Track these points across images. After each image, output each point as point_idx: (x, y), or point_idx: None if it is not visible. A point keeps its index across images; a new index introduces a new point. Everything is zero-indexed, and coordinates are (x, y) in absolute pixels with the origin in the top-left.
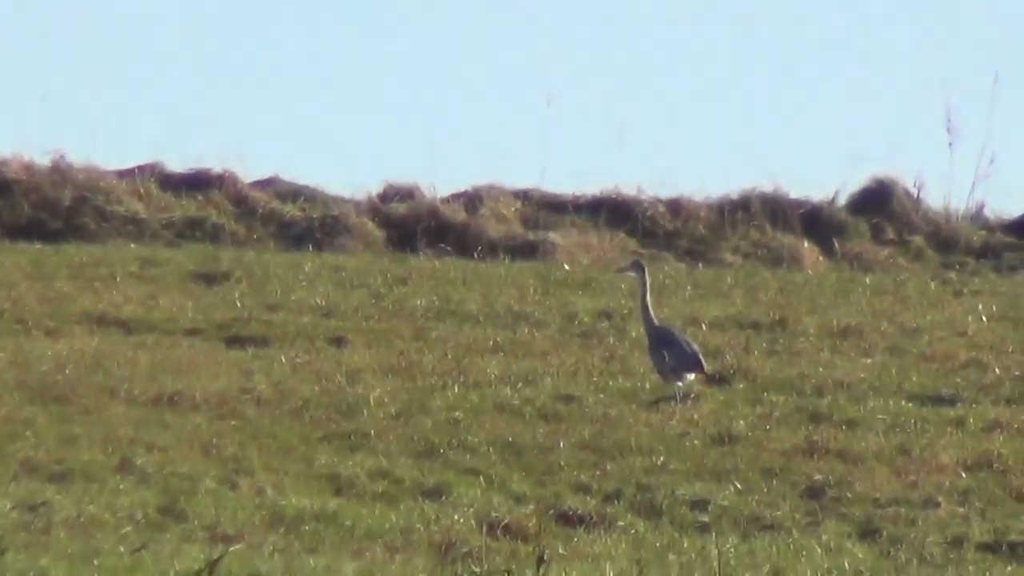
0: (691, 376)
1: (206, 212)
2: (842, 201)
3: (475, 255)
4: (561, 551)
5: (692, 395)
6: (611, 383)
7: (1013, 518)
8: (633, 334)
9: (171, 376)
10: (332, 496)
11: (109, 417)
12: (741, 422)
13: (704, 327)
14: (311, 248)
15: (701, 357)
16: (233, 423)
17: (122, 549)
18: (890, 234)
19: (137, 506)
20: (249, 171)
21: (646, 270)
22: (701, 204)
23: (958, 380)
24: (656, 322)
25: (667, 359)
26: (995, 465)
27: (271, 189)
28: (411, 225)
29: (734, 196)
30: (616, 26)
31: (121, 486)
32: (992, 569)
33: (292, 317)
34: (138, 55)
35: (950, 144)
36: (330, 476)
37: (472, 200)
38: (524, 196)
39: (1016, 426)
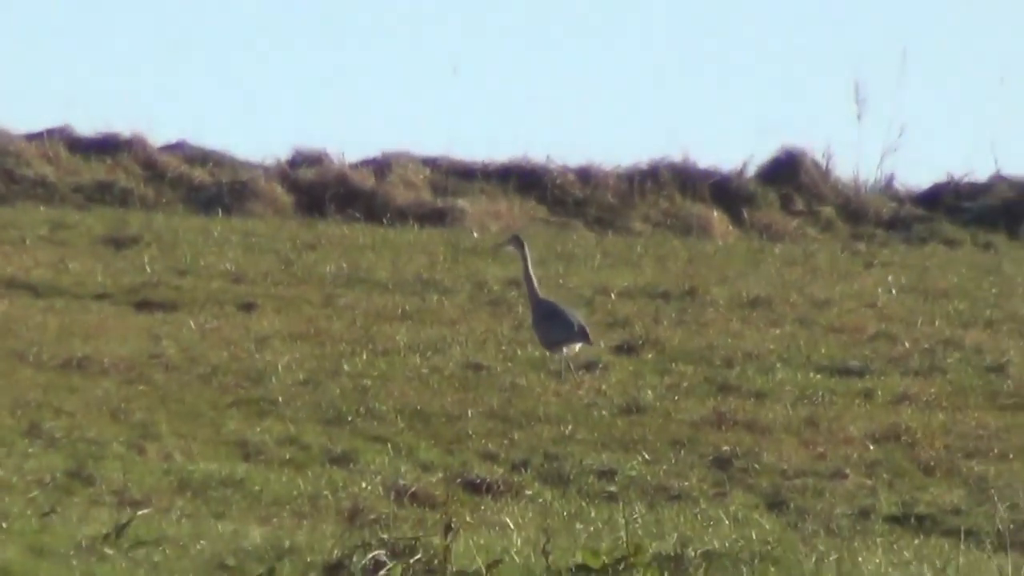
0: (577, 346)
1: (115, 176)
2: (751, 171)
3: (384, 222)
4: (468, 519)
5: (600, 365)
6: (520, 352)
7: (920, 490)
8: None
9: (80, 340)
10: (240, 462)
11: (18, 381)
12: (649, 392)
13: (613, 296)
14: (220, 213)
15: (586, 327)
16: (141, 388)
17: (30, 513)
18: (799, 205)
19: (45, 470)
20: (158, 135)
21: (526, 245)
22: (611, 172)
23: (867, 352)
24: (540, 295)
25: (552, 331)
26: (903, 437)
27: (180, 153)
28: (320, 191)
29: (644, 165)
30: None
31: (29, 450)
32: (899, 541)
33: (201, 282)
34: (46, 17)
35: (859, 115)
36: (238, 442)
37: (381, 166)
38: (433, 163)
39: (924, 399)
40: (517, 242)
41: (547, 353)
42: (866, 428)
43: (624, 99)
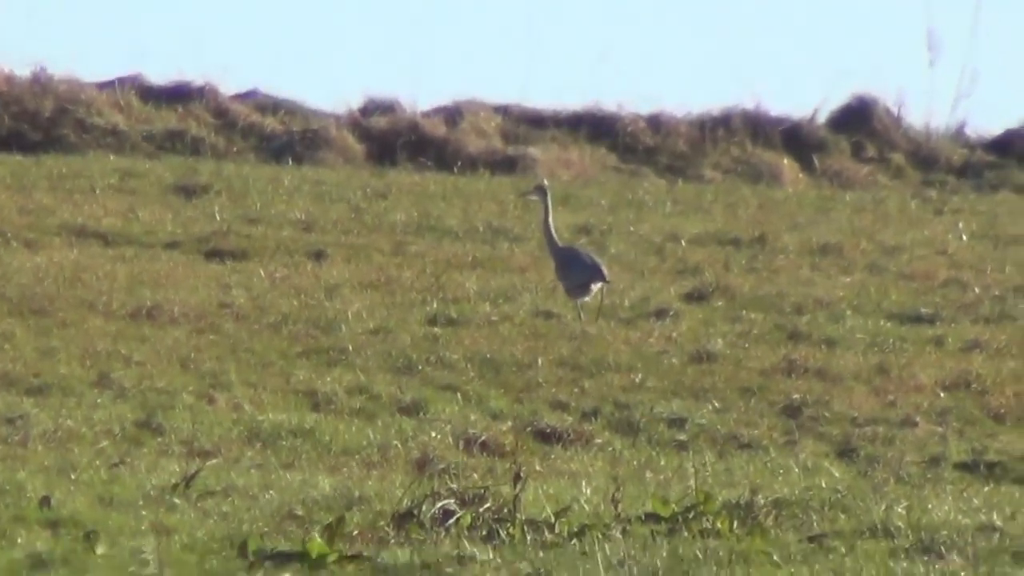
0: (596, 286)
1: (186, 124)
2: (822, 118)
3: (455, 170)
4: (538, 468)
5: (671, 313)
6: (589, 300)
7: (990, 438)
8: (612, 250)
9: (149, 289)
10: (309, 412)
11: (87, 330)
12: (719, 340)
13: (683, 244)
14: (291, 162)
15: (603, 267)
16: (211, 337)
17: (99, 463)
18: (870, 152)
19: (114, 420)
20: (230, 84)
21: (548, 193)
22: (682, 120)
23: (937, 299)
24: (559, 243)
25: (577, 275)
26: (973, 385)
27: (251, 102)
28: (391, 139)
29: (715, 112)
30: None
31: (99, 400)
32: (969, 488)
33: (271, 231)
34: None
35: (931, 62)
36: (307, 391)
37: (452, 115)
38: (504, 111)
39: (995, 346)
40: (540, 191)
41: (568, 298)
42: (936, 376)
43: (695, 46)
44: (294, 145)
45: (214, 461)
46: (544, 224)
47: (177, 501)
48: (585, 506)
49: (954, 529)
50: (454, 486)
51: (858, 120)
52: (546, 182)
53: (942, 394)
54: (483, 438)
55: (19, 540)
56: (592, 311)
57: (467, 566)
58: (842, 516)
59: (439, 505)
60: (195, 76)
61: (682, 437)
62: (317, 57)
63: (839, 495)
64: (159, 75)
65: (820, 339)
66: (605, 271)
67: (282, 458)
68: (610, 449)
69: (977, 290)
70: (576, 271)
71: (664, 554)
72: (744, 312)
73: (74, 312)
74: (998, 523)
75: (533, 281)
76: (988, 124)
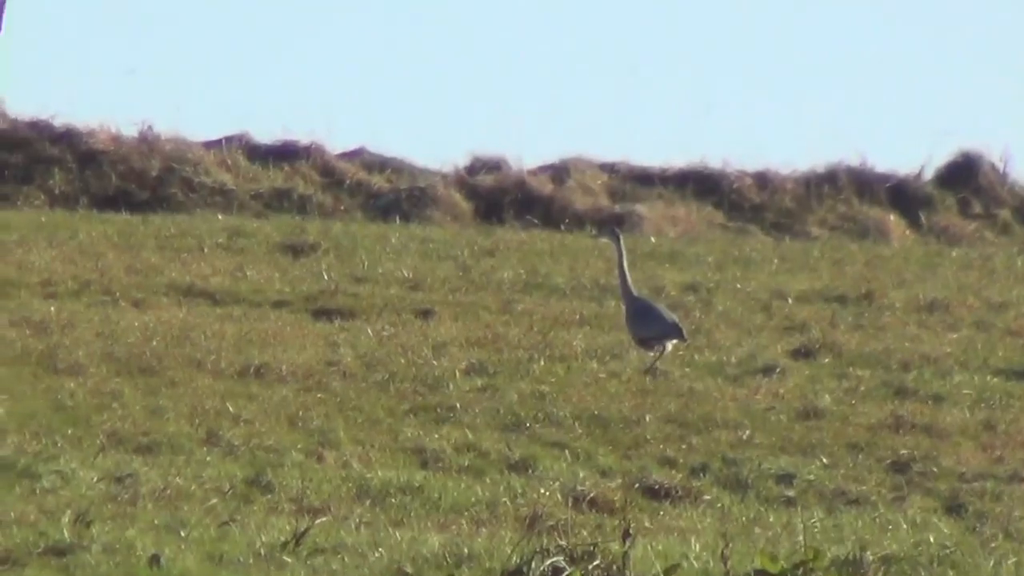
0: (671, 343)
1: (293, 183)
2: (929, 174)
3: (562, 227)
4: (647, 525)
5: (778, 370)
6: (697, 357)
7: None
8: (720, 308)
9: (258, 348)
10: (418, 469)
11: (196, 389)
12: (827, 396)
13: (790, 300)
14: (398, 220)
15: (679, 324)
16: (319, 395)
17: (209, 521)
18: (977, 208)
19: (223, 478)
20: (336, 142)
21: (621, 238)
22: (788, 177)
23: None
24: (635, 292)
25: (649, 328)
26: None
27: (358, 160)
28: (498, 197)
29: (820, 169)
30: None
31: (208, 458)
32: None
33: (379, 289)
34: (225, 26)
35: None
36: (416, 449)
37: (559, 172)
38: (611, 168)
39: None
40: (614, 235)
41: (639, 349)
42: None
43: (800, 102)
44: (401, 203)
45: (323, 519)
46: (619, 269)
47: (287, 559)
48: (694, 563)
49: None
50: (563, 543)
51: (964, 176)
52: (617, 231)
53: None
54: (592, 495)
55: None
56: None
57: None
58: (951, 572)
59: (548, 562)
60: (301, 135)
61: (790, 493)
62: (423, 115)
63: (948, 551)
64: (265, 134)
65: (927, 395)
66: (683, 329)
67: (391, 515)
68: (719, 505)
69: None
70: (652, 323)
71: None
72: (851, 369)
73: (182, 371)
74: None
75: None
76: None
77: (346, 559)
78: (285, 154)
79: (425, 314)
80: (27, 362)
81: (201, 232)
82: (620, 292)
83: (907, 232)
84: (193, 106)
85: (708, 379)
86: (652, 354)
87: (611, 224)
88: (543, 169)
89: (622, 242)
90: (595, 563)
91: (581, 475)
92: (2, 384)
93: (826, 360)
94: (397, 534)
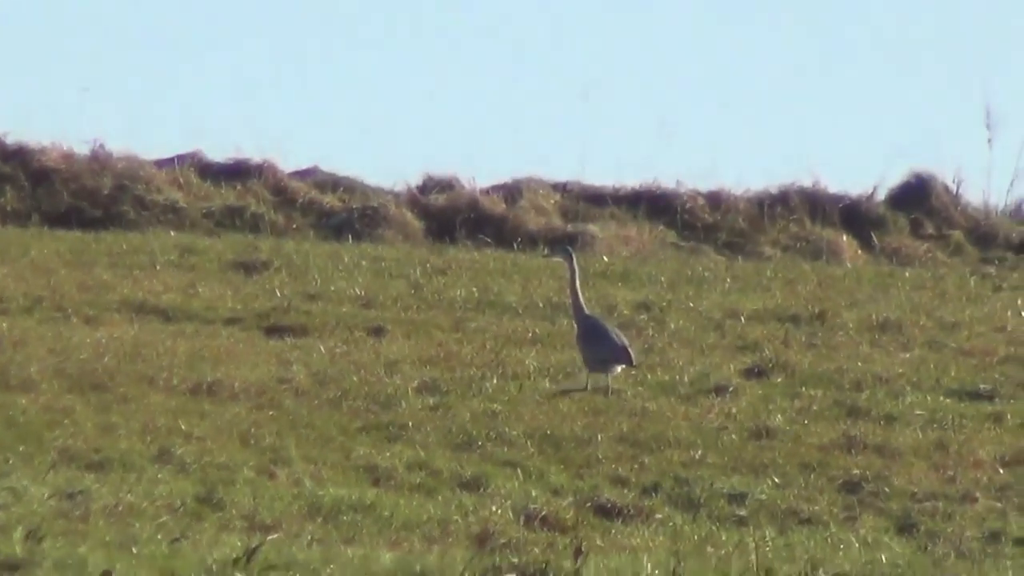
0: (619, 368)
1: (245, 201)
2: (881, 195)
3: (514, 247)
4: (599, 543)
5: (730, 389)
6: (649, 376)
7: None
8: (672, 327)
9: (210, 365)
10: (370, 487)
11: (148, 406)
12: (779, 416)
13: (743, 320)
14: (350, 238)
15: (630, 349)
16: (271, 413)
17: (160, 538)
18: (929, 229)
19: (175, 495)
20: (288, 161)
21: (574, 257)
22: (740, 197)
23: (996, 375)
24: (586, 311)
25: (597, 350)
26: None
27: (311, 179)
28: (450, 216)
29: (773, 190)
30: (655, 18)
31: (159, 475)
32: None
33: (331, 307)
34: (177, 44)
35: (989, 139)
36: (368, 467)
37: (511, 192)
38: (563, 188)
39: None
40: (567, 253)
41: (587, 371)
42: (995, 452)
43: (754, 123)
44: (353, 222)
45: (275, 536)
46: (571, 288)
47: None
48: None
49: None
50: (515, 561)
51: (917, 198)
52: (569, 249)
53: (1001, 470)
54: (544, 513)
55: None
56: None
57: None
58: None
59: None
60: (254, 153)
61: (742, 512)
62: (376, 135)
63: (899, 570)
64: (218, 152)
65: (879, 415)
66: (633, 355)
67: (343, 533)
68: (670, 524)
69: None
70: (602, 346)
71: None
72: (803, 388)
73: (134, 388)
74: None
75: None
76: None
77: None
78: (237, 172)
79: (377, 332)
80: None
81: (153, 249)
82: (571, 311)
83: (859, 252)
84: (145, 124)
85: (660, 398)
86: (602, 376)
87: (563, 243)
88: (495, 188)
89: (575, 260)
90: None
91: (533, 493)
92: None
93: (778, 380)
94: (349, 551)
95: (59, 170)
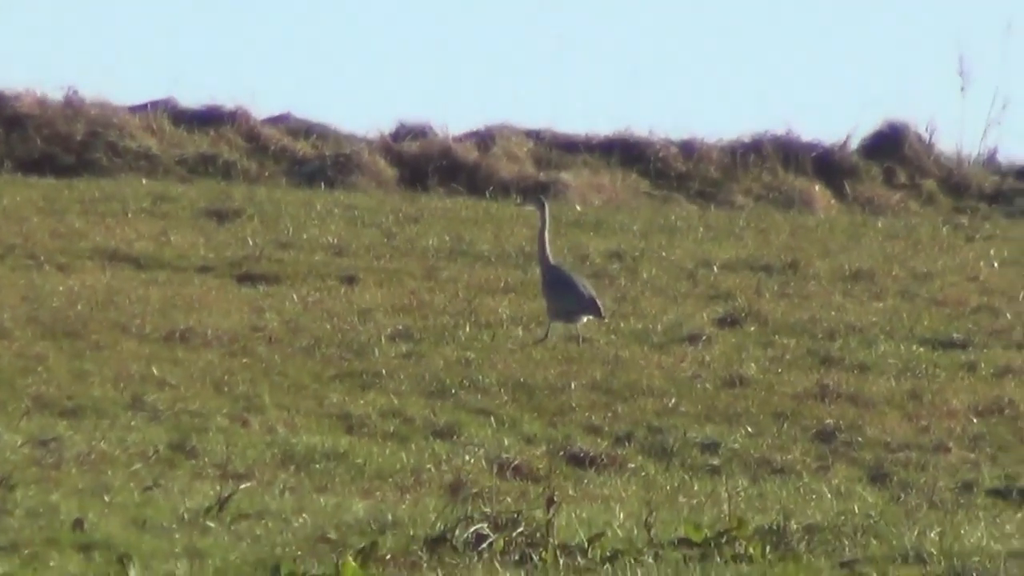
0: (585, 319)
1: (218, 148)
2: (854, 145)
3: (487, 195)
4: (571, 492)
5: (703, 338)
6: (623, 324)
7: (1023, 464)
8: (645, 276)
9: (182, 313)
10: (343, 435)
11: (120, 353)
12: (752, 365)
13: (715, 269)
14: (323, 186)
15: (597, 300)
16: (244, 361)
17: (133, 486)
18: (902, 178)
19: (148, 443)
20: (261, 108)
21: (547, 207)
22: (713, 146)
23: (969, 325)
24: (552, 261)
25: (563, 300)
26: (1006, 411)
27: (283, 126)
28: (423, 164)
29: (746, 139)
30: None
31: (132, 423)
32: (1002, 515)
33: (303, 255)
34: None
35: (962, 88)
36: (341, 415)
37: (484, 140)
38: (536, 136)
39: None
40: (539, 203)
41: (549, 322)
42: (969, 401)
43: (727, 72)
44: (326, 169)
45: (247, 484)
46: (540, 238)
47: (210, 524)
48: (618, 531)
49: (987, 555)
50: (487, 510)
51: (889, 147)
52: (542, 199)
53: (975, 420)
54: (516, 462)
55: (52, 563)
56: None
57: None
58: (874, 542)
59: (472, 529)
60: (227, 100)
61: (715, 462)
62: (349, 81)
63: (872, 520)
64: (191, 99)
65: (852, 364)
66: (602, 307)
67: (315, 481)
68: (643, 474)
69: (1009, 316)
70: (568, 297)
71: None
72: (776, 337)
73: (107, 335)
74: None
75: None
76: (1019, 151)
77: (270, 524)
78: (210, 119)
79: (350, 280)
80: None
81: (126, 197)
82: (538, 261)
83: (832, 202)
84: (119, 71)
85: (633, 347)
86: (571, 326)
87: (536, 191)
88: (468, 136)
89: (547, 211)
90: (519, 530)
91: (506, 442)
92: None
93: (751, 329)
94: (321, 500)
95: (32, 116)
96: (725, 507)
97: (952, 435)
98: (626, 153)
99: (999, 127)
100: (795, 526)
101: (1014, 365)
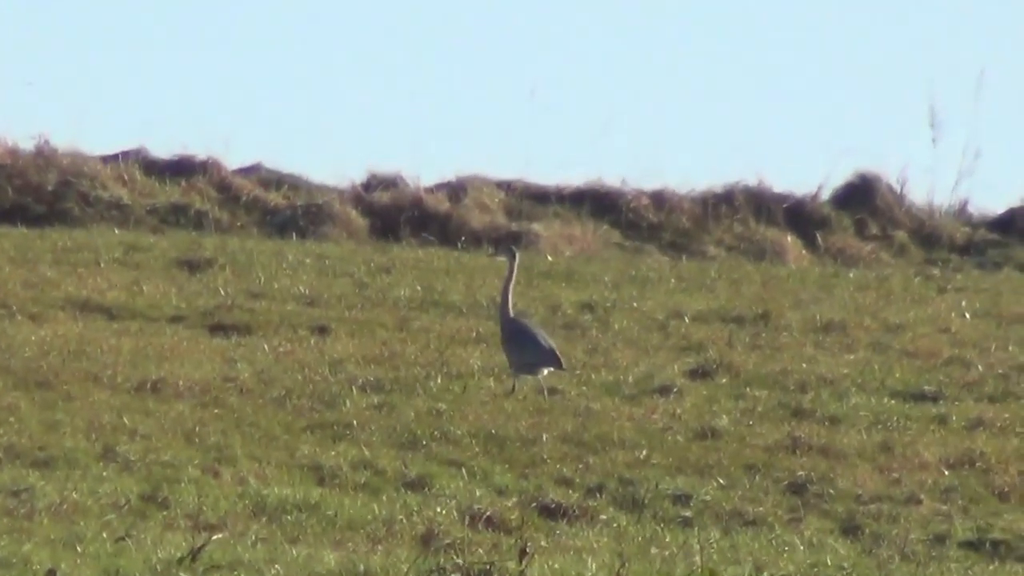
0: (547, 371)
1: (190, 198)
2: (826, 195)
3: (458, 245)
4: (543, 544)
5: (675, 390)
6: (594, 376)
7: (995, 516)
8: (616, 327)
9: (154, 363)
10: (314, 486)
11: (92, 403)
12: (724, 417)
13: (687, 320)
14: (295, 236)
15: (557, 352)
16: (216, 411)
17: (105, 536)
18: (874, 229)
19: (120, 493)
20: (233, 158)
21: (517, 257)
22: (685, 197)
23: (941, 377)
24: (511, 313)
25: (523, 353)
26: (977, 463)
27: (255, 176)
28: (395, 214)
29: (718, 189)
30: (601, 18)
31: (104, 473)
32: (974, 567)
33: (275, 305)
34: (124, 41)
35: (934, 139)
36: (312, 466)
37: (456, 190)
38: (508, 187)
39: (999, 424)
40: (509, 252)
41: (515, 376)
42: (941, 453)
43: (698, 123)
44: (297, 220)
45: (220, 535)
46: (504, 287)
47: (183, 575)
48: None
49: None
50: (460, 561)
51: (861, 198)
52: (514, 248)
53: (946, 472)
54: (488, 513)
55: None
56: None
57: None
58: None
59: None
60: (198, 150)
61: (687, 513)
62: (320, 132)
63: (844, 572)
64: (163, 149)
65: (824, 416)
66: (560, 358)
67: (287, 532)
68: (615, 525)
69: (980, 368)
70: (527, 350)
71: None
72: (748, 389)
73: (79, 385)
74: None
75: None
76: (991, 202)
77: (242, 575)
78: (182, 169)
79: (321, 331)
80: None
81: (98, 246)
82: (499, 312)
83: (804, 253)
84: (90, 120)
85: (605, 399)
86: (531, 378)
87: (508, 242)
88: (440, 187)
89: (516, 262)
90: None
91: (478, 493)
92: None
93: (723, 380)
94: (293, 551)
95: (3, 166)
96: (697, 559)
97: (924, 487)
98: (597, 203)
99: (971, 178)
100: None
101: (985, 417)
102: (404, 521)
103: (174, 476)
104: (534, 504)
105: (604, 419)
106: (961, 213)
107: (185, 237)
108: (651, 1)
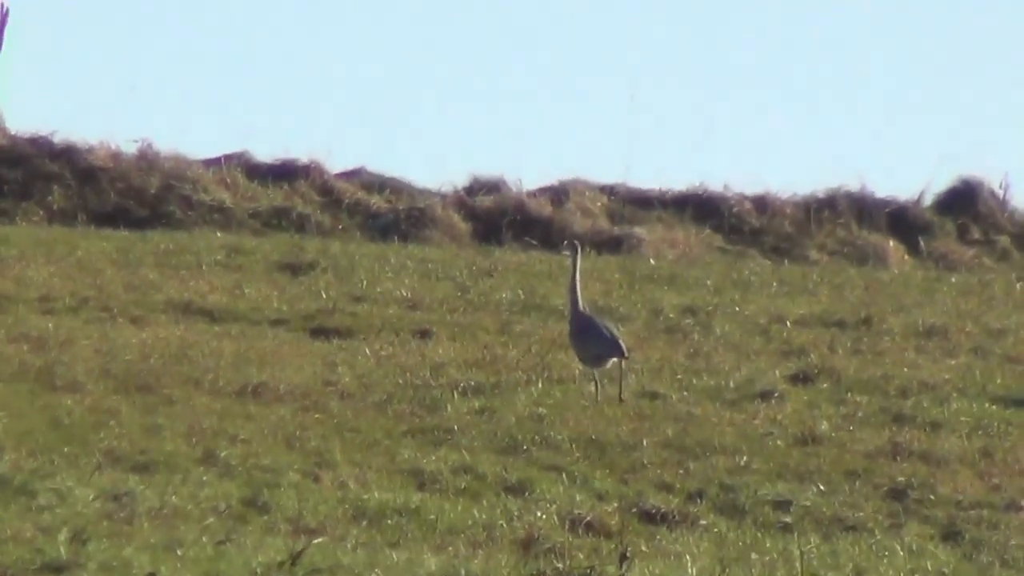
0: (612, 360)
1: (292, 202)
2: (928, 200)
3: (560, 249)
4: (643, 549)
5: (776, 395)
6: (695, 381)
7: None
8: (718, 331)
9: (255, 367)
10: (415, 491)
11: (193, 407)
12: (825, 422)
13: (789, 325)
14: (396, 240)
15: (621, 341)
16: (317, 416)
17: (205, 540)
18: (976, 234)
19: (220, 498)
20: (336, 162)
21: (580, 252)
22: (787, 202)
23: None
24: (581, 307)
25: (589, 345)
26: None
27: (357, 180)
28: (497, 218)
29: (820, 194)
30: (704, 22)
31: (204, 477)
32: None
33: (377, 309)
34: (227, 45)
35: None
36: (413, 470)
37: (558, 194)
38: (610, 191)
39: None
40: (573, 248)
41: (583, 368)
42: None
43: (801, 128)
44: (400, 223)
45: (320, 540)
46: (570, 283)
47: None
48: None
49: None
50: (560, 566)
51: (963, 203)
52: (577, 243)
53: None
54: (588, 518)
55: None
56: (614, 384)
57: None
58: None
59: None
60: (301, 154)
61: (787, 519)
62: (423, 136)
63: None
64: (265, 153)
65: (925, 422)
66: (623, 346)
67: (388, 537)
68: (715, 531)
69: None
70: (591, 342)
71: None
72: (849, 394)
73: (180, 389)
74: None
75: (639, 361)
76: None
77: None
78: (284, 173)
79: (423, 334)
80: (25, 379)
81: (200, 249)
82: (568, 307)
83: (906, 257)
84: (193, 124)
85: (706, 404)
86: (596, 371)
87: (610, 246)
88: (542, 191)
89: (579, 256)
90: None
91: (578, 498)
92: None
93: (824, 385)
94: (394, 555)
95: (106, 169)
96: (797, 565)
97: None
98: (700, 208)
99: None
100: None
101: None
102: (504, 526)
103: (274, 480)
104: (634, 509)
105: (705, 424)
106: None
107: (287, 240)
108: (753, 6)
